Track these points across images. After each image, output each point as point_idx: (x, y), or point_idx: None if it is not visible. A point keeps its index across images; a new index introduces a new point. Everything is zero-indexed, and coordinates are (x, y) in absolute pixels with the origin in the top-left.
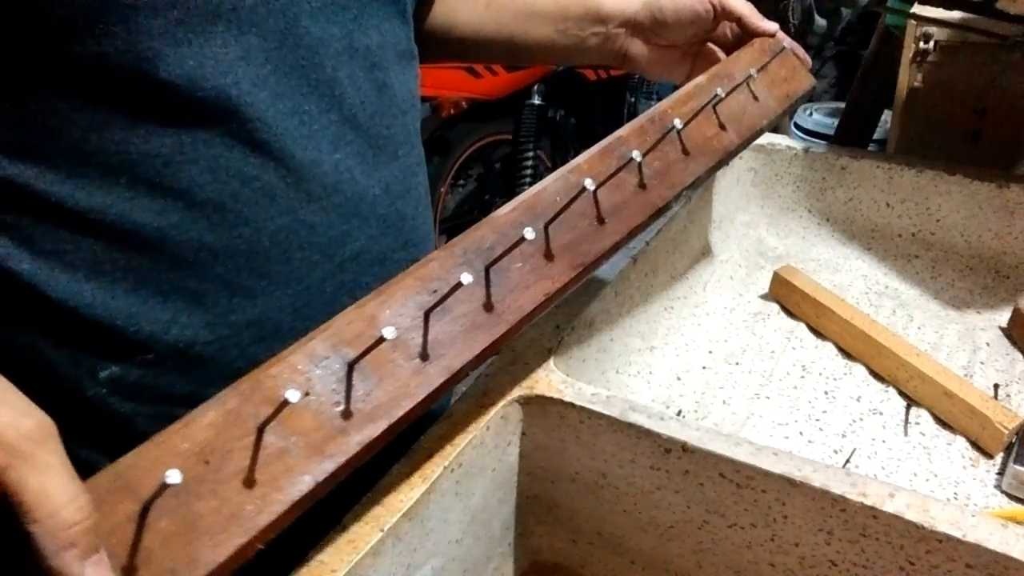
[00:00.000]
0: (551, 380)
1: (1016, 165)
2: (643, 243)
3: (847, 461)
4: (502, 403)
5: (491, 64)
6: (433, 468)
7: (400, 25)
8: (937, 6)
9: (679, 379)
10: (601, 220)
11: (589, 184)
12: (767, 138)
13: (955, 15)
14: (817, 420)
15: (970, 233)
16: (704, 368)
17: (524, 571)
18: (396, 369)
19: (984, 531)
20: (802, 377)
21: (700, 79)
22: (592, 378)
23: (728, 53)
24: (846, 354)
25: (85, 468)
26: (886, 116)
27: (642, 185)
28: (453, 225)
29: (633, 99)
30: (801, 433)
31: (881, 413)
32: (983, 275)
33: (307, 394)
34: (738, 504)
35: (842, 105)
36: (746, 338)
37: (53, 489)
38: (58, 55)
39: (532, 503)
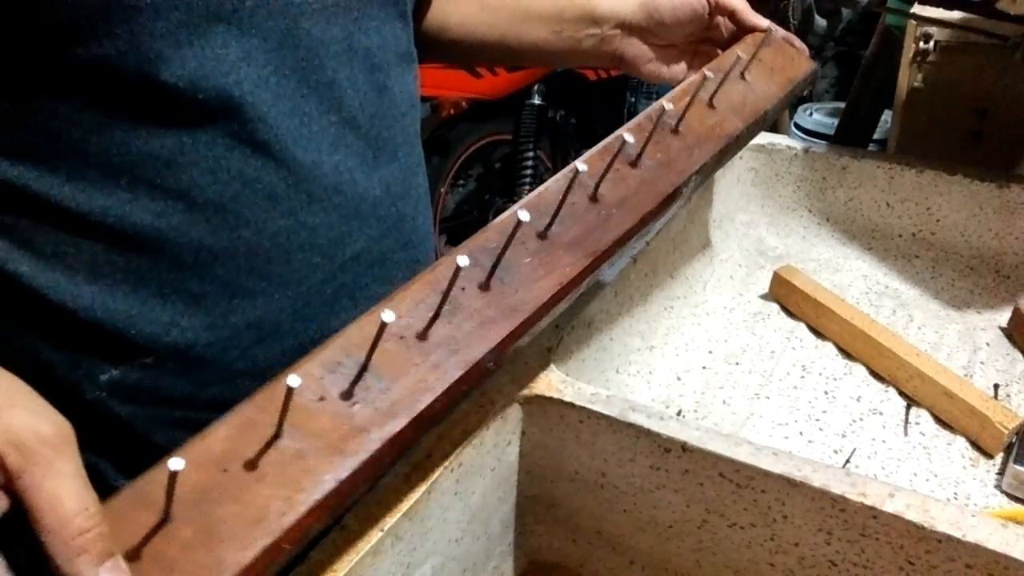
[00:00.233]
0: (551, 380)
1: (1016, 165)
2: (643, 243)
3: (847, 461)
4: (502, 403)
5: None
6: (433, 468)
7: (401, 27)
8: (937, 6)
9: (679, 379)
10: (607, 211)
11: (581, 166)
12: (767, 138)
13: (955, 15)
14: (817, 420)
15: (970, 233)
16: (704, 368)
17: (524, 570)
18: (412, 367)
19: (984, 531)
20: (802, 377)
21: (695, 76)
22: (592, 378)
23: (724, 50)
24: (846, 354)
25: (85, 470)
26: (886, 116)
27: (646, 176)
28: (453, 225)
29: (633, 99)
30: (801, 433)
31: (881, 413)
32: (983, 275)
33: (322, 399)
34: (738, 504)
35: (842, 105)
36: (746, 338)
37: (66, 496)
38: (60, 56)
39: (532, 502)
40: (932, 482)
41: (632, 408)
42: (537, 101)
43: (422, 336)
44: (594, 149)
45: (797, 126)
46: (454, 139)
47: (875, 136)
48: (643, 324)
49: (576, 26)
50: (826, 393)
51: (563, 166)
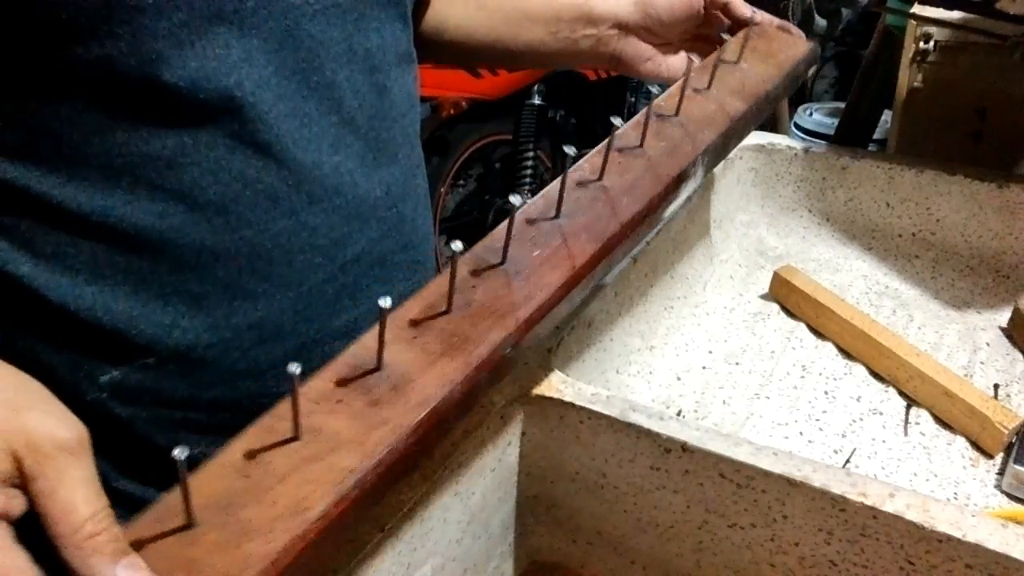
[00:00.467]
0: (551, 380)
1: (1016, 165)
2: (643, 243)
3: (847, 461)
4: (502, 403)
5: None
6: (433, 467)
7: (401, 28)
8: (937, 6)
9: (679, 379)
10: (615, 198)
11: (570, 151)
12: (767, 138)
13: (955, 15)
14: (817, 420)
15: (970, 233)
16: (704, 368)
17: (524, 571)
18: (428, 362)
19: (984, 531)
20: (802, 377)
21: (690, 73)
22: (592, 378)
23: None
24: (846, 354)
25: None
26: (886, 116)
27: (651, 162)
28: (453, 225)
29: (633, 99)
30: (801, 433)
31: (881, 413)
32: (983, 275)
33: (339, 401)
34: (738, 504)
35: (842, 105)
36: (746, 338)
37: (79, 502)
38: (61, 57)
39: (532, 503)
40: (932, 482)
41: (632, 408)
42: (537, 101)
43: (436, 331)
44: (595, 149)
45: (797, 126)
46: (454, 139)
47: (875, 136)
48: (643, 324)
49: (573, 26)
50: (826, 393)
51: (563, 166)
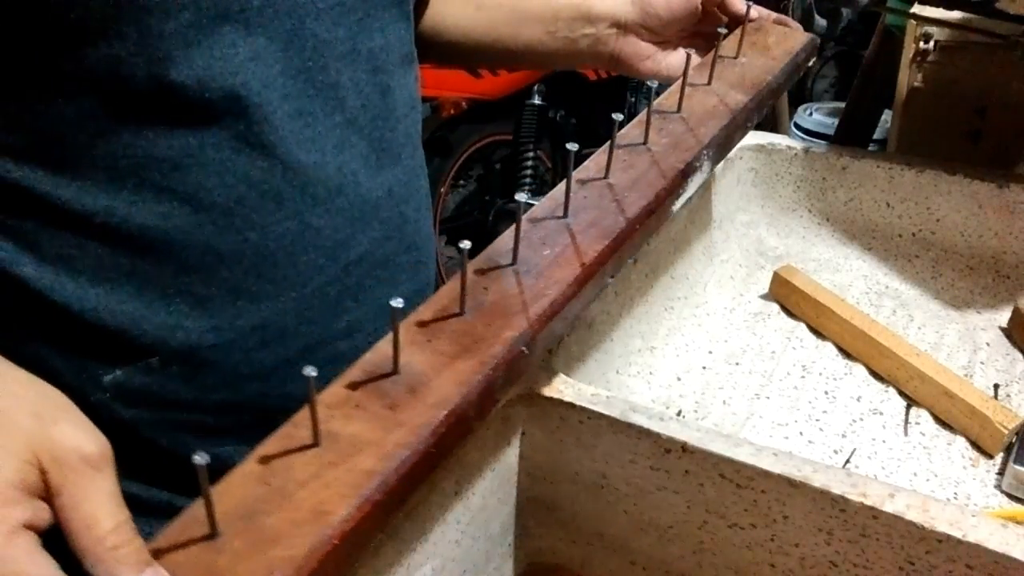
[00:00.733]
0: (551, 380)
1: (1016, 165)
2: (643, 243)
3: (847, 461)
4: (502, 404)
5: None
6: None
7: (404, 28)
8: (937, 6)
9: (679, 379)
10: (621, 195)
11: (572, 147)
12: (767, 138)
13: (955, 15)
14: (817, 420)
15: (970, 233)
16: (704, 368)
17: (523, 571)
18: (442, 368)
19: (984, 531)
20: (802, 377)
21: (689, 69)
22: (592, 378)
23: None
24: (846, 354)
25: None
26: (886, 116)
27: (655, 158)
28: (453, 226)
29: (633, 99)
30: (801, 433)
31: (881, 413)
32: (983, 275)
33: (357, 406)
34: (738, 504)
35: (842, 105)
36: (746, 338)
37: (102, 515)
38: (69, 58)
39: (532, 503)
40: (932, 482)
41: (633, 409)
42: (537, 101)
43: (449, 333)
44: (598, 151)
45: (797, 126)
46: (454, 140)
47: (875, 136)
48: (644, 325)
49: (571, 26)
50: (826, 393)
51: (563, 167)
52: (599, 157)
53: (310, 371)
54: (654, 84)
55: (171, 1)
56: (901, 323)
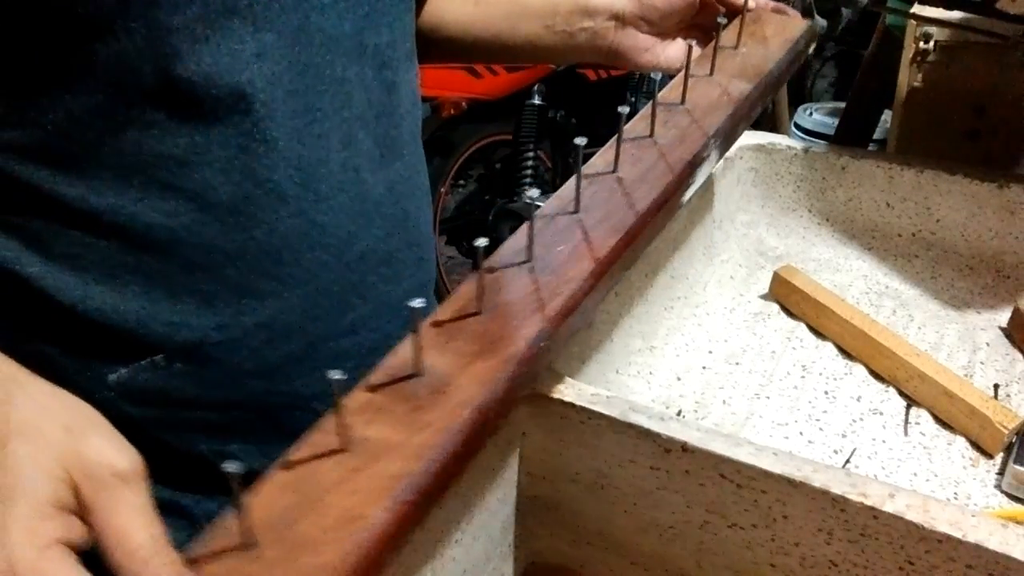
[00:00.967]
0: (552, 380)
1: (1016, 165)
2: (654, 236)
3: (847, 461)
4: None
5: (485, 64)
6: None
7: (409, 23)
8: (937, 6)
9: (679, 379)
10: (630, 189)
11: (580, 141)
12: (767, 138)
13: (955, 15)
14: (817, 420)
15: (970, 233)
16: (704, 368)
17: (523, 571)
18: (464, 368)
19: (984, 531)
20: (802, 377)
21: (691, 61)
22: (592, 378)
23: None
24: (846, 354)
25: None
26: (886, 116)
27: (662, 151)
28: (453, 226)
29: (633, 99)
30: (801, 433)
31: (881, 413)
32: (983, 275)
33: (381, 409)
34: (738, 504)
35: (842, 105)
36: (746, 338)
37: (134, 529)
38: (76, 54)
39: (532, 503)
40: (932, 482)
41: (633, 409)
42: (537, 101)
43: (468, 333)
44: (604, 147)
45: (797, 126)
46: (454, 139)
47: (875, 136)
48: (644, 324)
49: (570, 20)
50: (826, 393)
51: (563, 166)
52: (606, 152)
53: (335, 375)
54: (658, 76)
55: None
56: (901, 323)
